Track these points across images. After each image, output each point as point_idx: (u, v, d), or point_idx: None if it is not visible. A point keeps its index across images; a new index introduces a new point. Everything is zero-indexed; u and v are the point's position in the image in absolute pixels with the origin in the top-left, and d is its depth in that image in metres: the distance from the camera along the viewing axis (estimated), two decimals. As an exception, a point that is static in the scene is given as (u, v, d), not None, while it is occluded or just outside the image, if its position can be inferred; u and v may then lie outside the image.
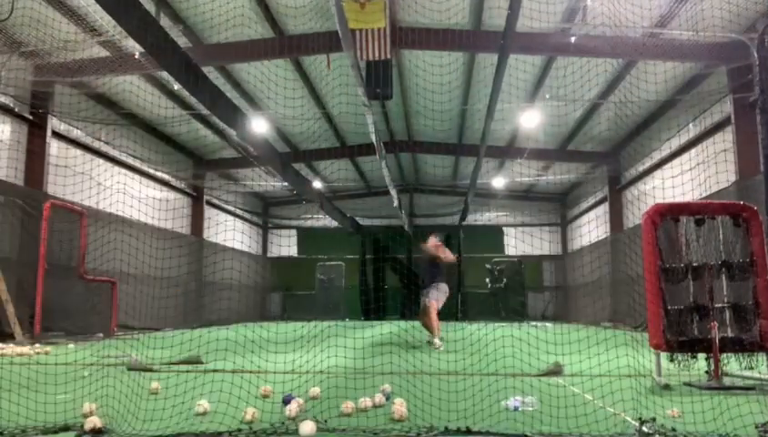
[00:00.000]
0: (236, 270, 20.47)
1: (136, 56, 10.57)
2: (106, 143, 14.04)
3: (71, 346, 9.19)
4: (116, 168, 14.80)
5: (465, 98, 14.76)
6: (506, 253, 24.94)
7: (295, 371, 5.62)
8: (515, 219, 24.96)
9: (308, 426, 2.94)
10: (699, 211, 4.98)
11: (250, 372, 5.56)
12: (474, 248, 24.08)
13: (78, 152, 13.36)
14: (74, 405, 3.68)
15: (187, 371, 5.74)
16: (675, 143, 14.00)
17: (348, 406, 3.56)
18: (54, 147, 12.40)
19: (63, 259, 11.60)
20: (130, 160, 15.21)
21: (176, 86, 12.01)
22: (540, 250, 24.85)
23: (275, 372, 5.54)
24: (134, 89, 12.78)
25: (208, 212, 20.36)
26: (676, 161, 14.01)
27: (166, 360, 6.70)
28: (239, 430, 3.05)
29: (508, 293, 23.39)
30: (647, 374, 5.27)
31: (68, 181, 12.24)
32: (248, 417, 3.27)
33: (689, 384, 4.79)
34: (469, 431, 3.03)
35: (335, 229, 23.70)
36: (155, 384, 4.47)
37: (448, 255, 9.74)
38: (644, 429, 2.93)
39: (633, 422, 3.20)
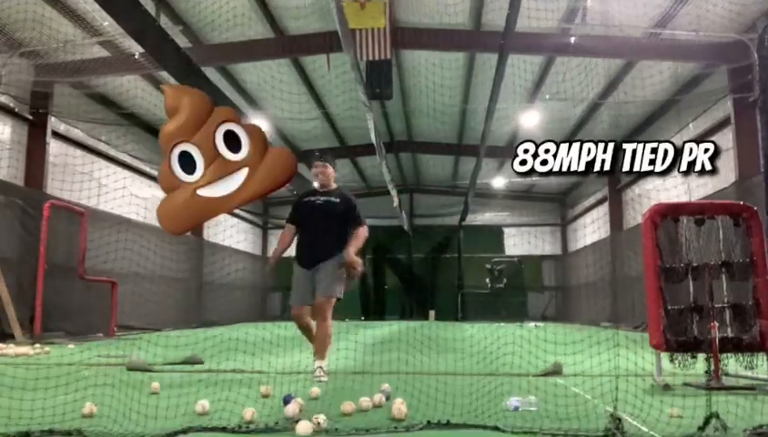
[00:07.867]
0: (236, 270, 20.45)
1: (136, 56, 10.57)
2: (107, 143, 14.03)
3: (71, 346, 9.18)
4: (116, 168, 14.78)
5: (465, 98, 14.75)
6: (506, 253, 24.92)
7: (295, 371, 5.62)
8: (515, 219, 24.93)
9: (305, 426, 2.94)
10: (699, 211, 4.98)
11: (250, 372, 5.57)
12: (474, 248, 24.04)
13: (78, 152, 13.34)
14: (71, 405, 3.67)
15: (188, 371, 5.74)
16: (675, 143, 13.97)
17: (348, 406, 3.56)
18: (54, 148, 12.39)
19: (63, 259, 11.58)
20: (130, 160, 15.19)
21: (176, 87, 11.99)
22: (540, 250, 24.83)
23: (275, 372, 5.54)
24: (134, 89, 12.76)
25: (208, 212, 20.32)
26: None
27: (167, 360, 6.69)
28: (239, 430, 3.05)
29: (508, 293, 23.38)
30: (647, 374, 5.27)
31: (68, 181, 12.23)
32: (248, 417, 3.26)
33: (689, 384, 4.79)
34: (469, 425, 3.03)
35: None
36: (155, 384, 4.47)
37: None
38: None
39: (634, 422, 3.20)
